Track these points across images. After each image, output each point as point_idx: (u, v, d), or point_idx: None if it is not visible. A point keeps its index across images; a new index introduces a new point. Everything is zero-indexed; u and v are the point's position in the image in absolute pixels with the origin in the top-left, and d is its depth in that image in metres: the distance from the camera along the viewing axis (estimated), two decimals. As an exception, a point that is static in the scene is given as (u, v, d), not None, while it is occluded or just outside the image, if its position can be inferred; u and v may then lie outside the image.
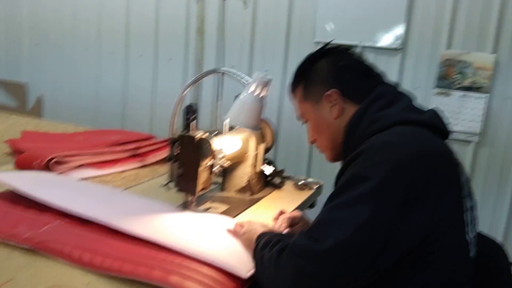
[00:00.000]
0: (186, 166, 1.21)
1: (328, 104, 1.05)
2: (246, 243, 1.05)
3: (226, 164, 1.29)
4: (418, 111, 0.99)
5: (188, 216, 1.22)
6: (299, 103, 1.14)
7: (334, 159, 1.11)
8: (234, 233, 1.10)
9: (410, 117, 0.94)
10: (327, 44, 1.12)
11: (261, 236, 1.00)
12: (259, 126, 1.35)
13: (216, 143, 1.24)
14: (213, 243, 1.06)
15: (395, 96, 1.01)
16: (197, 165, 1.19)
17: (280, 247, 0.89)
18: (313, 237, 0.83)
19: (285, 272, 0.84)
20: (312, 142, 1.14)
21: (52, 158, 1.47)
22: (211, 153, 1.22)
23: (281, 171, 1.65)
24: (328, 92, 1.04)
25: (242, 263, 0.98)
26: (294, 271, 0.82)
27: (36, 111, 3.44)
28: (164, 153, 1.82)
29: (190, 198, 1.27)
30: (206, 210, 1.33)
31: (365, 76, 1.05)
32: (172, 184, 1.29)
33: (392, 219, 0.79)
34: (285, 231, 1.15)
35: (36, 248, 0.98)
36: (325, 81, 1.05)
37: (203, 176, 1.23)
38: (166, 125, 1.57)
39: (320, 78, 1.06)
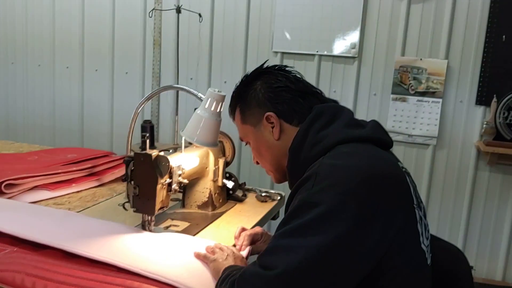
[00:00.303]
0: (142, 185, 1.17)
1: (268, 127, 1.03)
2: (212, 271, 1.02)
3: (185, 181, 1.27)
4: (360, 124, 0.99)
5: (147, 236, 1.19)
6: (239, 125, 1.12)
7: (279, 180, 1.10)
8: (204, 257, 1.06)
9: (353, 134, 0.94)
10: (263, 64, 1.11)
11: (225, 270, 0.97)
12: (217, 143, 1.33)
13: (174, 160, 1.22)
14: (172, 263, 1.03)
15: (334, 113, 0.99)
16: (155, 183, 1.16)
17: (233, 278, 0.87)
18: (263, 265, 0.81)
19: None
20: (257, 163, 1.13)
21: (3, 182, 1.40)
22: (169, 171, 1.19)
23: (243, 184, 1.63)
24: (266, 115, 1.02)
25: (202, 284, 0.96)
26: None
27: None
28: (121, 171, 1.77)
29: (148, 218, 1.23)
30: (166, 228, 1.30)
31: (301, 96, 1.03)
32: (127, 206, 1.25)
33: (344, 243, 0.78)
34: (246, 249, 1.13)
35: None
36: (261, 104, 1.04)
37: (160, 194, 1.19)
38: (126, 142, 1.54)
39: (256, 101, 1.05)
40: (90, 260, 1.03)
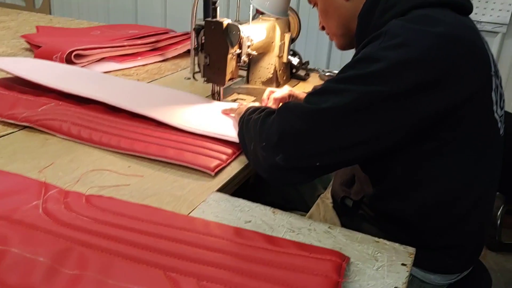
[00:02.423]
0: (213, 55, 1.17)
1: None
2: (236, 118, 1.04)
3: (254, 52, 1.25)
4: None
5: (217, 105, 1.21)
6: None
7: (343, 47, 1.04)
8: (230, 110, 1.11)
9: None
10: None
11: (251, 106, 0.98)
12: (287, 12, 1.28)
13: (243, 30, 1.19)
14: (212, 122, 1.09)
15: None
16: (226, 53, 1.15)
17: (270, 110, 0.87)
18: (309, 102, 0.80)
19: (271, 126, 0.82)
20: (322, 28, 1.07)
21: (72, 51, 1.43)
22: (239, 41, 1.17)
23: (306, 63, 1.61)
24: None
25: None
26: (281, 125, 0.80)
27: (46, 10, 3.32)
28: (184, 47, 1.77)
29: (217, 89, 1.25)
30: (234, 101, 1.32)
31: None
32: (198, 76, 1.26)
33: (398, 101, 0.75)
34: None
35: (35, 126, 1.00)
36: None
37: (231, 65, 1.19)
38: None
39: None
40: (131, 115, 1.08)
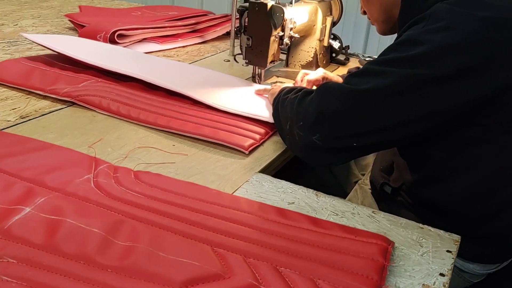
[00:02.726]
0: (256, 36, 1.17)
1: None
2: (270, 99, 1.05)
3: (296, 35, 1.24)
4: None
5: (256, 87, 1.21)
6: None
7: (384, 32, 1.01)
8: (264, 90, 1.13)
9: None
10: None
11: (287, 86, 0.99)
12: (331, -5, 1.27)
13: (287, 13, 1.18)
14: (247, 103, 1.11)
15: None
16: (269, 34, 1.15)
17: (308, 90, 0.87)
18: (349, 82, 0.79)
19: (309, 106, 0.81)
20: (364, 13, 1.05)
21: (116, 31, 1.46)
22: (283, 23, 1.16)
23: (347, 47, 1.59)
24: None
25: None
26: (319, 104, 0.79)
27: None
28: (223, 29, 1.78)
29: (258, 71, 1.25)
30: (274, 84, 1.32)
31: None
32: (238, 58, 1.26)
33: (439, 86, 0.73)
34: None
35: (76, 101, 1.04)
36: None
37: (273, 47, 1.19)
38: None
39: None
40: (169, 93, 1.11)
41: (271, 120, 0.99)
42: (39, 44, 1.30)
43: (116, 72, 1.17)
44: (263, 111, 1.05)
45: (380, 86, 0.75)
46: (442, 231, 0.72)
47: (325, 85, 0.83)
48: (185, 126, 0.96)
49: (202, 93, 1.10)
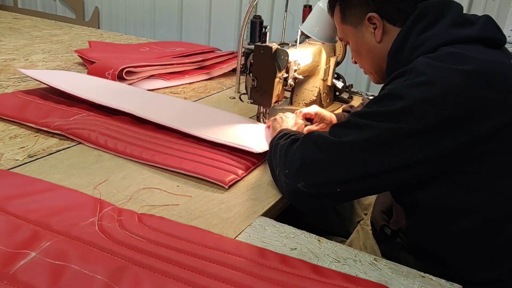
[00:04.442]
0: (261, 78, 1.19)
1: (369, 28, 0.95)
2: (271, 129, 1.11)
3: (300, 76, 1.27)
4: (469, 22, 0.88)
5: (260, 126, 1.23)
6: (338, 24, 1.05)
7: (378, 82, 1.05)
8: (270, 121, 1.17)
9: (458, 34, 0.84)
10: None
11: (283, 130, 1.03)
12: (335, 39, 1.30)
13: (291, 55, 1.21)
14: (239, 133, 1.16)
15: (440, 10, 0.89)
16: (273, 76, 1.17)
17: (296, 137, 0.93)
18: (331, 133, 0.84)
19: (295, 155, 0.87)
20: (355, 62, 1.08)
21: (124, 68, 1.49)
22: (287, 65, 1.19)
23: (350, 86, 1.61)
24: (368, 16, 0.94)
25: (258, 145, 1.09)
26: (303, 154, 0.85)
27: (95, 22, 3.45)
28: (229, 66, 1.81)
29: (263, 110, 1.27)
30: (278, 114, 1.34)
31: None
32: (243, 97, 1.29)
33: (421, 139, 0.76)
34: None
35: (66, 134, 1.08)
36: (363, 3, 0.95)
37: (277, 88, 1.21)
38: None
39: (357, 0, 0.96)
40: (157, 127, 1.15)
41: (255, 150, 1.05)
42: (36, 80, 1.35)
43: (107, 106, 1.21)
44: (250, 142, 1.09)
45: (360, 139, 0.80)
46: (443, 280, 0.72)
47: (310, 135, 0.88)
48: (168, 160, 0.99)
49: (189, 125, 1.14)
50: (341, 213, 1.31)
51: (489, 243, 0.84)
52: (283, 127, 1.08)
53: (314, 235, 0.80)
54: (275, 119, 1.14)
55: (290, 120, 1.12)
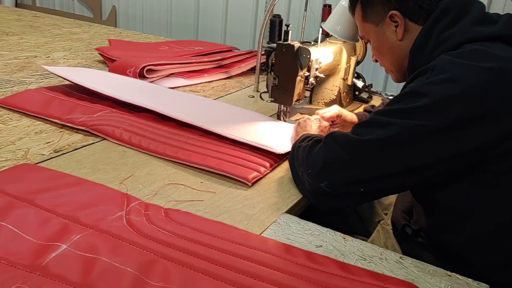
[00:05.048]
0: (282, 76, 1.20)
1: (391, 26, 0.95)
2: (294, 133, 1.11)
3: (322, 75, 1.27)
4: (492, 20, 0.88)
5: (281, 125, 1.23)
6: (359, 23, 1.05)
7: (399, 80, 1.05)
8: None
9: (481, 32, 0.84)
10: None
11: (305, 134, 1.03)
12: (358, 37, 1.30)
13: (312, 53, 1.21)
14: (261, 132, 1.16)
15: (462, 8, 0.89)
16: (295, 75, 1.18)
17: (318, 139, 0.93)
18: (353, 132, 0.84)
19: (317, 155, 0.87)
20: (376, 61, 1.08)
21: (145, 66, 1.50)
22: (309, 63, 1.19)
23: (370, 86, 1.61)
24: (390, 14, 0.94)
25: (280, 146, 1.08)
26: (326, 153, 0.85)
27: (112, 22, 3.48)
28: (248, 65, 1.82)
29: (284, 109, 1.27)
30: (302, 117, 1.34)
31: None
32: (264, 96, 1.29)
33: (441, 137, 0.76)
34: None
35: (91, 130, 1.09)
36: (385, 1, 0.95)
37: (298, 86, 1.21)
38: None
39: None
40: (179, 124, 1.16)
41: (277, 150, 1.05)
42: (59, 76, 1.37)
43: (130, 103, 1.22)
44: (272, 142, 1.09)
45: (383, 136, 0.80)
46: (470, 279, 0.72)
47: (332, 135, 0.88)
48: (191, 157, 1.00)
49: (211, 123, 1.15)
50: (361, 213, 1.31)
51: (509, 242, 0.83)
52: (306, 132, 1.07)
53: (339, 233, 0.80)
54: (299, 123, 1.13)
55: (314, 123, 1.12)
